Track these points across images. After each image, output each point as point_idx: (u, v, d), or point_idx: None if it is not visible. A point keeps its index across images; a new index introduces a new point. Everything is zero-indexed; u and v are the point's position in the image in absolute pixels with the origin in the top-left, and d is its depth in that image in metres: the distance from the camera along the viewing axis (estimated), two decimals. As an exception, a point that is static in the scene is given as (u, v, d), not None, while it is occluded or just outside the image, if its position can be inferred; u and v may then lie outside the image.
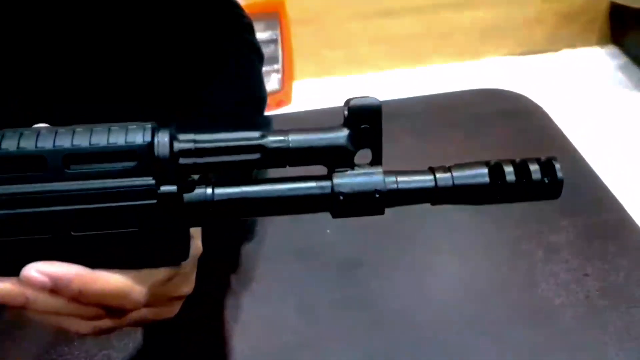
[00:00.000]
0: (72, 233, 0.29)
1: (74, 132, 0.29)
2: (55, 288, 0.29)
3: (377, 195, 0.30)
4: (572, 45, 2.07)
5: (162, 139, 0.29)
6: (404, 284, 0.48)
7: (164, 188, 0.29)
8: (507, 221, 0.52)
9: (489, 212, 0.51)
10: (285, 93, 1.72)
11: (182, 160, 0.30)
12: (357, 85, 1.92)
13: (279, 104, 1.68)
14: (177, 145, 0.30)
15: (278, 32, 1.66)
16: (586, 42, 2.07)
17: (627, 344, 0.42)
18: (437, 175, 0.31)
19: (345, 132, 0.30)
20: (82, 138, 0.29)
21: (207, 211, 0.30)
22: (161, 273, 0.31)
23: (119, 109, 0.55)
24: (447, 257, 0.50)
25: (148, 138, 0.29)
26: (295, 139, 0.30)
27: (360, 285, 0.48)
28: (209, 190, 0.30)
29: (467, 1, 1.97)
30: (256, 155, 0.30)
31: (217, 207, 0.30)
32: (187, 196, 0.30)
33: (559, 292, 0.46)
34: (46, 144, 0.29)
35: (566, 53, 2.07)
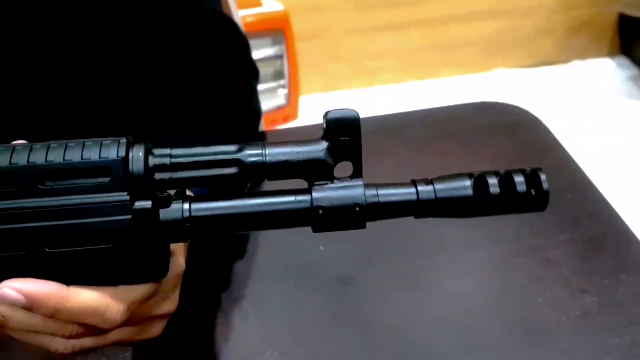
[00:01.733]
0: (47, 250, 0.28)
1: (48, 147, 0.29)
2: (30, 305, 0.29)
3: (358, 209, 0.30)
4: (582, 56, 2.05)
5: (137, 153, 0.29)
6: (397, 301, 0.47)
7: (139, 203, 0.29)
8: (503, 235, 0.50)
9: (485, 225, 0.50)
10: (292, 108, 1.72)
11: (157, 175, 0.29)
12: (363, 99, 1.92)
13: (285, 119, 1.68)
14: (152, 160, 0.29)
15: (284, 47, 1.67)
16: (596, 53, 2.06)
17: (627, 363, 0.41)
18: (419, 188, 0.30)
19: (323, 145, 0.30)
20: (56, 154, 0.29)
21: (184, 227, 0.30)
22: (140, 290, 0.31)
23: (118, 109, 0.55)
24: (440, 273, 0.48)
25: (122, 153, 0.29)
26: (272, 152, 0.30)
27: (352, 303, 0.47)
28: (186, 206, 0.30)
29: (474, 14, 1.97)
30: (233, 170, 0.30)
31: (194, 223, 0.30)
32: (162, 211, 0.29)
33: (557, 309, 0.44)
34: (20, 160, 0.28)
35: (576, 64, 2.06)
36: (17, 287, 0.28)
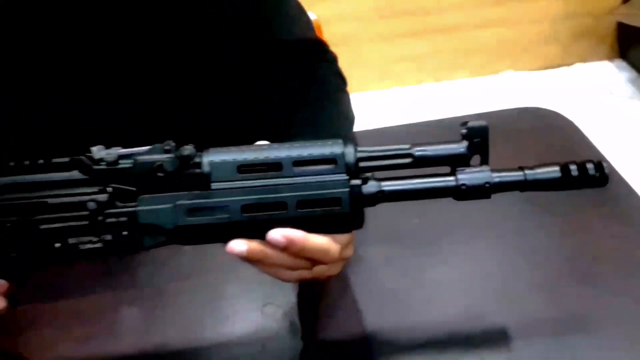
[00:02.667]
0: (299, 210, 0.44)
1: (293, 146, 0.45)
2: (286, 246, 0.43)
3: (487, 185, 0.46)
4: (583, 59, 2.22)
5: (349, 149, 0.45)
6: (473, 257, 0.64)
7: (353, 181, 0.45)
8: (556, 211, 0.68)
9: (544, 205, 0.67)
10: (324, 109, 1.86)
11: (361, 164, 0.45)
12: (386, 99, 2.08)
13: (318, 119, 1.83)
14: (358, 154, 0.45)
15: (317, 53, 1.81)
16: (597, 57, 2.22)
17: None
18: (526, 172, 0.47)
19: (464, 144, 0.46)
20: (301, 150, 0.45)
21: (377, 196, 0.46)
22: (346, 237, 0.47)
23: (118, 109, 0.58)
24: (506, 239, 0.66)
25: (341, 149, 0.45)
26: (432, 148, 0.46)
27: (439, 258, 0.64)
28: (379, 183, 0.46)
29: (486, 21, 2.12)
30: (408, 160, 0.46)
31: (384, 194, 0.46)
32: (364, 187, 0.45)
33: (598, 258, 0.62)
34: (280, 154, 0.44)
35: (578, 67, 2.22)
36: (282, 233, 0.43)
